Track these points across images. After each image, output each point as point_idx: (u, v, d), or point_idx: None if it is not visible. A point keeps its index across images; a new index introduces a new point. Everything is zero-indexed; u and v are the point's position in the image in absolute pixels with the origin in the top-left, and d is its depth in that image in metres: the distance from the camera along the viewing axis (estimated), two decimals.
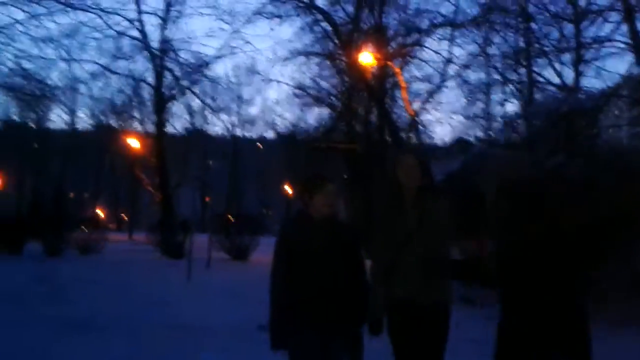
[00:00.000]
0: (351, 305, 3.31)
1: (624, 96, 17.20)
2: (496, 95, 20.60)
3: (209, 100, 28.76)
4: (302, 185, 3.64)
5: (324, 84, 24.81)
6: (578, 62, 18.18)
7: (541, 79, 19.67)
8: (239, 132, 35.88)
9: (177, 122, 35.52)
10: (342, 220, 3.58)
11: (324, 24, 21.10)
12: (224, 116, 31.52)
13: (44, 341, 7.89)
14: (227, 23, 29.21)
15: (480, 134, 19.41)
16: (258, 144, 35.63)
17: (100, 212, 42.57)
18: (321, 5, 20.95)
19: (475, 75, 20.41)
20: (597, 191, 10.39)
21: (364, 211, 19.71)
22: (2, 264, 16.71)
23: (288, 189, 32.88)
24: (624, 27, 15.59)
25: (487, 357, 6.19)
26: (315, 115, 26.34)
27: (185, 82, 27.32)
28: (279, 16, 20.64)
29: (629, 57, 16.43)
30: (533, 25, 18.15)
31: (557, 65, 18.90)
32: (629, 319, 9.38)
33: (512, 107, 22.96)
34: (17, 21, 20.23)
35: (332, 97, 25.38)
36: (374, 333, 3.41)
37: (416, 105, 22.31)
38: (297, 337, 3.27)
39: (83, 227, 24.11)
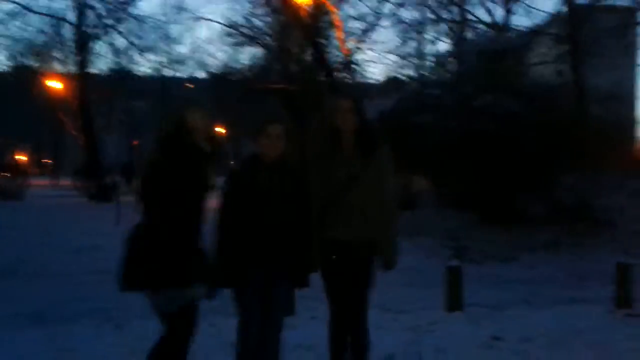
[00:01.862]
0: (294, 247, 3.34)
1: (551, 34, 17.66)
2: (429, 35, 20.69)
3: (134, 39, 27.42)
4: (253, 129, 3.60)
5: (257, 22, 24.14)
6: (508, 1, 18.43)
7: (473, 18, 19.88)
8: (167, 72, 34.57)
9: (102, 62, 33.92)
10: (290, 163, 3.50)
11: None
12: (151, 56, 30.12)
13: None
14: None
15: (412, 72, 19.55)
16: (188, 84, 34.47)
17: (22, 157, 40.58)
18: None
19: (409, 14, 20.42)
20: (522, 128, 10.77)
21: (299, 153, 19.58)
22: None
23: (221, 130, 32.27)
24: None
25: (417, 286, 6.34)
26: (249, 55, 25.72)
27: (109, 20, 25.94)
28: None
29: None
30: None
31: (488, 4, 19.13)
32: (550, 241, 10.05)
33: (444, 46, 23.20)
34: None
35: (265, 37, 24.76)
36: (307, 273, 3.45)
37: (351, 44, 22.15)
38: (241, 275, 3.26)
39: (4, 173, 23.04)
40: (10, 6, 24.66)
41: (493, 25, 18.77)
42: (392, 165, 3.52)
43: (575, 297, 6.54)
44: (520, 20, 39.55)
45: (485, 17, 19.65)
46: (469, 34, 20.14)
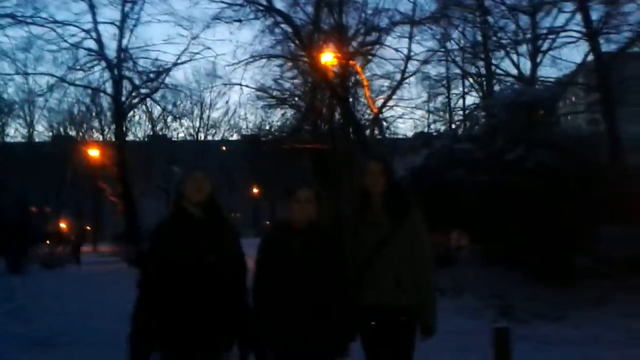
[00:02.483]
0: (331, 314, 3.29)
1: (580, 83, 17.64)
2: (456, 89, 20.92)
3: (170, 107, 28.44)
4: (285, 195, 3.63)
5: (286, 85, 24.79)
6: (535, 53, 18.56)
7: (499, 71, 20.03)
8: (202, 136, 35.60)
9: (139, 130, 35.05)
10: (321, 227, 3.47)
11: (284, 26, 21.05)
12: (186, 121, 31.15)
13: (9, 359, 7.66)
14: (186, 29, 28.91)
15: (442, 127, 19.67)
16: (222, 147, 35.26)
17: (63, 225, 41.60)
18: (280, 8, 20.88)
19: (435, 70, 20.71)
20: (557, 180, 10.62)
21: (332, 215, 19.69)
22: None
23: (255, 191, 32.67)
24: (579, 17, 15.96)
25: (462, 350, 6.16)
26: (279, 117, 26.28)
27: (144, 90, 27.00)
28: (238, 20, 20.47)
29: (584, 46, 16.85)
30: (490, 19, 18.45)
31: (514, 57, 19.29)
32: (598, 297, 9.71)
33: (472, 99, 23.32)
34: None
35: (295, 98, 25.36)
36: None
37: (379, 102, 22.49)
38: (278, 344, 3.26)
39: (47, 241, 23.61)
40: (50, 80, 25.82)
41: (520, 78, 18.86)
42: (424, 227, 3.49)
43: (629, 356, 6.25)
44: (548, 72, 39.65)
45: (512, 70, 19.81)
46: (497, 87, 20.29)
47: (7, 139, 39.57)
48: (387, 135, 23.62)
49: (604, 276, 10.32)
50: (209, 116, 33.66)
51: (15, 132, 41.33)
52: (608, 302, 9.61)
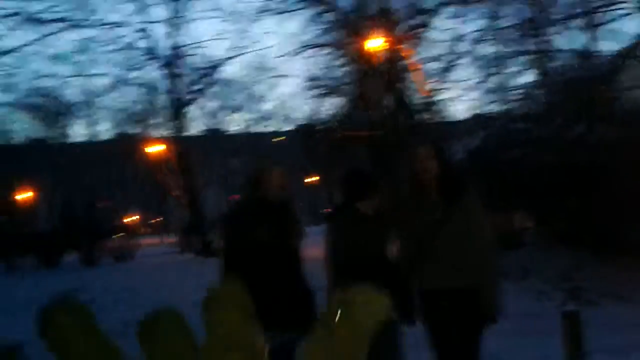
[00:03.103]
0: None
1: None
2: (511, 68, 20.39)
3: (224, 101, 29.00)
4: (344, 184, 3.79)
5: (336, 73, 24.81)
6: (591, 27, 17.92)
7: (554, 47, 19.41)
8: (256, 128, 36.08)
9: (196, 124, 35.90)
10: (384, 212, 3.67)
11: (330, 14, 21.04)
12: (240, 114, 31.71)
13: None
14: (233, 24, 29.27)
15: (497, 107, 19.29)
16: (276, 138, 35.72)
17: (131, 219, 43.19)
18: None
19: (487, 50, 20.21)
20: (620, 155, 10.33)
21: (392, 198, 19.55)
22: (40, 277, 17.13)
23: (310, 180, 32.97)
24: None
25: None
26: (331, 105, 26.36)
27: (198, 86, 27.67)
28: (284, 12, 20.61)
29: None
30: None
31: (569, 32, 18.64)
32: None
33: (528, 77, 22.71)
34: (27, 43, 20.63)
35: (345, 86, 25.35)
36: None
37: (430, 85, 22.22)
38: None
39: (116, 235, 24.56)
40: (107, 80, 26.85)
41: (576, 52, 18.26)
42: (481, 208, 3.46)
43: None
44: (605, 45, 37.94)
45: (567, 45, 19.16)
46: (553, 64, 19.69)
47: (74, 139, 41.24)
48: (440, 118, 23.33)
49: None
50: (261, 109, 34.14)
51: (79, 132, 43.05)
52: None
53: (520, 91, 18.06)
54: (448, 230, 3.36)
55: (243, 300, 1.36)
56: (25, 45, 20.75)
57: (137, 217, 44.07)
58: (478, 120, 15.72)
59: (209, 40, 38.03)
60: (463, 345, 3.38)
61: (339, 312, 1.24)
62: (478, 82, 20.78)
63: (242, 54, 26.32)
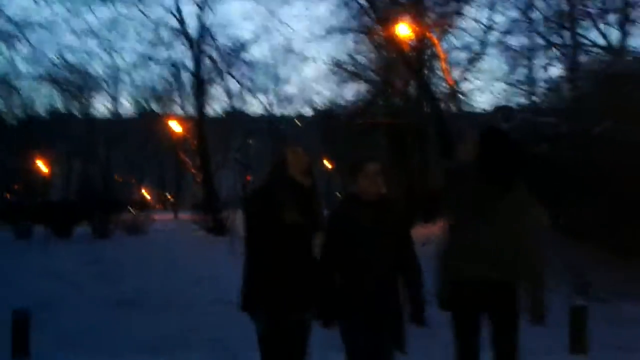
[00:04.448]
0: (396, 290, 3.32)
1: None
2: (539, 60, 19.94)
3: (246, 82, 28.91)
4: (348, 169, 3.68)
5: (361, 59, 24.57)
6: (624, 23, 17.45)
7: (586, 42, 18.95)
8: (277, 110, 36.02)
9: (217, 105, 35.94)
10: (391, 200, 3.51)
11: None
12: (261, 96, 31.61)
13: (98, 319, 8.15)
14: (262, 5, 29.16)
15: (523, 100, 18.91)
16: (296, 120, 35.62)
17: (146, 194, 43.54)
18: None
19: (517, 41, 19.78)
20: None
21: (406, 186, 19.51)
22: (54, 247, 17.28)
23: (327, 164, 32.85)
24: None
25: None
26: (353, 91, 26.15)
27: (223, 66, 27.65)
28: None
29: None
30: None
31: (602, 27, 18.16)
32: None
33: (556, 71, 22.24)
34: (56, 16, 20.73)
35: (369, 72, 25.11)
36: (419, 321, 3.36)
37: (456, 74, 21.88)
38: (346, 319, 3.30)
39: (130, 208, 24.71)
40: (133, 56, 26.99)
41: (608, 48, 17.79)
42: (531, 198, 3.30)
43: None
44: (638, 42, 37.14)
45: (600, 40, 18.70)
46: (583, 58, 19.23)
47: (95, 114, 41.56)
48: (464, 109, 22.99)
49: None
50: (283, 91, 34.04)
51: (101, 106, 43.37)
52: None
53: (547, 85, 17.70)
54: (498, 219, 3.20)
55: None
56: (53, 18, 20.85)
57: (153, 192, 44.57)
58: (502, 112, 15.36)
59: (237, 20, 37.76)
60: (503, 336, 3.28)
61: None
62: (504, 74, 20.43)
63: (268, 35, 26.23)
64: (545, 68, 19.55)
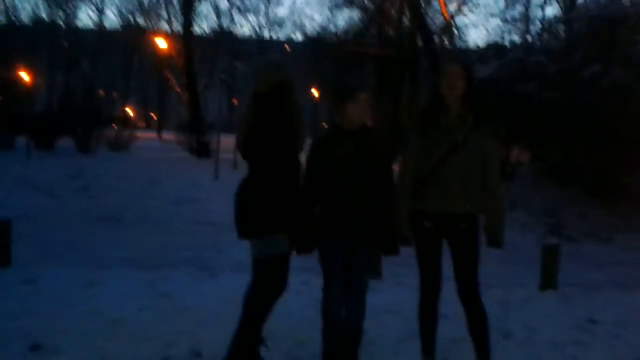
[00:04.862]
0: (377, 214, 3.34)
1: None
2: None
3: (236, 1, 28.06)
4: (333, 96, 3.60)
5: None
6: None
7: None
8: (266, 33, 35.24)
9: (205, 23, 34.92)
10: (374, 131, 3.50)
11: None
12: (251, 17, 30.80)
13: (80, 233, 8.23)
14: None
15: (517, 38, 18.69)
16: (286, 45, 34.88)
17: (129, 111, 42.86)
18: None
19: None
20: (630, 101, 10.08)
21: (392, 119, 19.47)
22: (36, 160, 17.14)
23: (315, 92, 32.50)
24: None
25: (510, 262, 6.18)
26: (346, 18, 25.61)
27: None
28: None
29: None
30: None
31: None
32: None
33: (552, 10, 21.88)
34: None
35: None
36: (392, 253, 3.42)
37: (452, 7, 21.43)
38: (323, 244, 3.34)
39: (113, 124, 24.40)
40: None
41: None
42: (494, 138, 3.43)
43: None
44: None
45: None
46: (580, 0, 18.91)
47: (80, 25, 40.33)
48: (457, 44, 22.69)
49: None
50: (274, 13, 33.16)
51: (86, 17, 41.94)
52: None
53: (542, 24, 17.46)
54: (465, 153, 3.28)
55: None
56: None
57: (136, 109, 43.84)
58: (494, 49, 15.17)
59: None
60: (465, 266, 3.36)
61: None
62: (500, 10, 20.05)
63: None
64: (542, 7, 19.22)
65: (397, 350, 3.80)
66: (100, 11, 38.82)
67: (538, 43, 15.88)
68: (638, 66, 11.07)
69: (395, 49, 22.16)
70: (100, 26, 40.46)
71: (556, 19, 17.73)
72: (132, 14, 34.84)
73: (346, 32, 25.38)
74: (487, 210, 3.34)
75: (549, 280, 5.32)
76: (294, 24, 31.36)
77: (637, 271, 6.92)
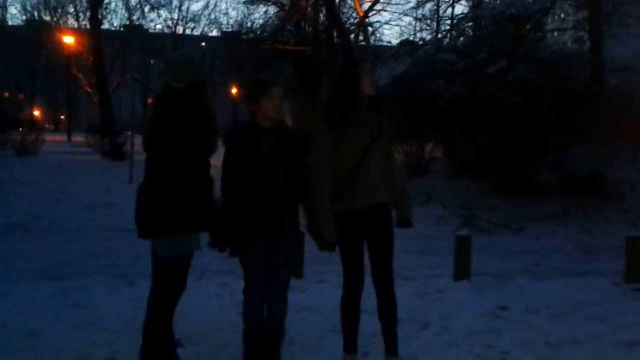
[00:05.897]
0: (294, 215, 3.37)
1: None
2: None
3: None
4: (247, 91, 3.52)
5: None
6: None
7: None
8: (180, 29, 34.41)
9: (115, 18, 33.67)
10: (289, 128, 3.50)
11: None
12: (164, 12, 29.99)
13: None
14: None
15: (428, 36, 19.25)
16: (201, 42, 34.24)
17: (36, 113, 40.71)
18: None
19: None
20: (534, 95, 10.65)
21: (310, 115, 19.55)
22: None
23: (233, 90, 32.13)
24: None
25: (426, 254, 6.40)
26: (263, 14, 25.44)
27: None
28: None
29: None
30: None
31: None
32: (559, 211, 10.09)
33: (461, 8, 22.73)
34: None
35: None
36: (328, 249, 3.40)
37: (365, 5, 21.80)
38: (245, 245, 3.30)
39: (20, 127, 23.21)
40: None
41: None
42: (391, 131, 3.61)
43: (582, 269, 6.51)
44: None
45: None
46: None
47: None
48: (371, 41, 23.11)
49: (566, 193, 10.57)
50: (188, 8, 32.47)
51: None
52: (567, 217, 9.95)
53: (451, 22, 18.08)
54: (379, 146, 3.40)
55: None
56: None
57: (44, 111, 41.70)
58: (406, 46, 15.56)
59: None
60: (383, 258, 3.45)
61: None
62: (412, 8, 20.62)
63: None
64: (451, 5, 19.92)
65: (319, 347, 3.83)
66: (2, 7, 36.52)
67: (447, 40, 16.43)
68: (541, 61, 11.67)
69: (312, 45, 22.29)
70: (1, 23, 38.11)
71: (464, 16, 18.41)
72: (37, 9, 33.12)
73: (263, 28, 25.24)
74: (396, 193, 3.51)
75: (462, 270, 5.54)
76: (210, 20, 30.72)
77: (546, 259, 7.30)
